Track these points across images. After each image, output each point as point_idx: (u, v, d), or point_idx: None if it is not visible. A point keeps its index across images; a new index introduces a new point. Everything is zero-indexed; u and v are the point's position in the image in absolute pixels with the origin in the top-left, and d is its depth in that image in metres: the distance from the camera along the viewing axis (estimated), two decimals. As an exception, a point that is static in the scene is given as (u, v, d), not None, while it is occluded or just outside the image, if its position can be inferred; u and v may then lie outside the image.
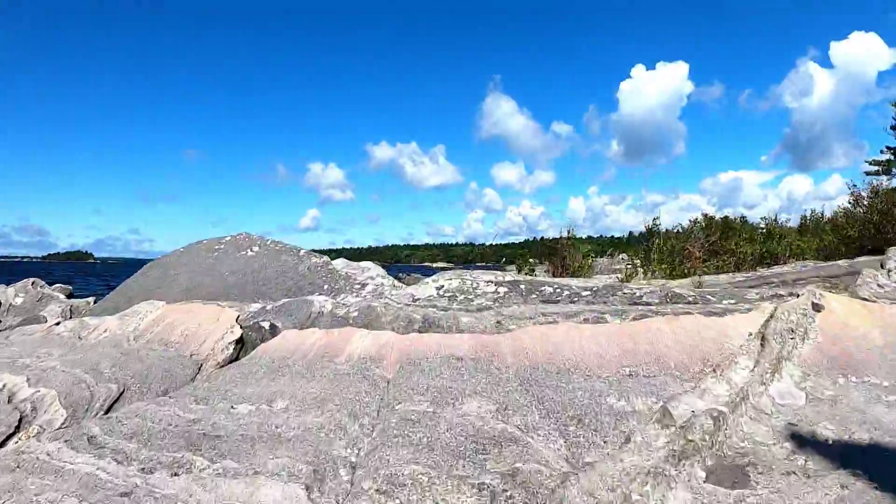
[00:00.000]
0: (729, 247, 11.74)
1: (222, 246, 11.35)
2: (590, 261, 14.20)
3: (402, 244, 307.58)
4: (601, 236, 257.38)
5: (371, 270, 10.04)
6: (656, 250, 12.74)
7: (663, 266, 11.29)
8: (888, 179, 43.01)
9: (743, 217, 15.77)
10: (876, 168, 42.83)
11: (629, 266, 12.94)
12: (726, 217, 14.78)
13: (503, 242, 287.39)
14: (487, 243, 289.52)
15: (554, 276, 12.39)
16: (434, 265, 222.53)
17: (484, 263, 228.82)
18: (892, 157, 41.69)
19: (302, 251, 11.18)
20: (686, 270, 10.74)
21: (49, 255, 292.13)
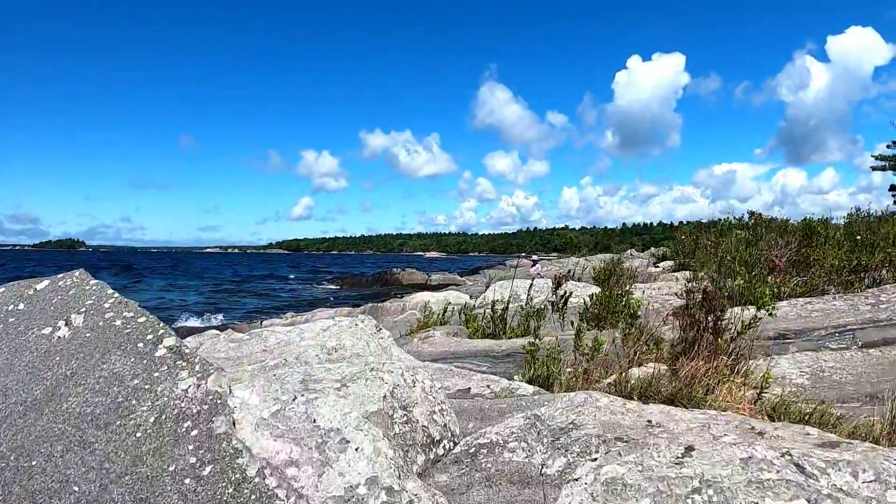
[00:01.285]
0: (817, 256, 9.88)
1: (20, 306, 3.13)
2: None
3: (394, 233, 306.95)
4: (594, 227, 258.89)
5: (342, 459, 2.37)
6: (702, 254, 12.01)
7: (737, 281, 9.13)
8: (894, 174, 42.80)
9: (825, 219, 14.06)
10: (882, 163, 42.76)
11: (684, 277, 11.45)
12: (808, 219, 13.06)
13: (496, 232, 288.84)
14: (480, 233, 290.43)
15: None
16: (426, 254, 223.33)
17: (477, 254, 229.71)
18: (899, 152, 41.55)
19: (164, 351, 2.72)
20: (776, 288, 8.88)
21: (40, 242, 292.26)
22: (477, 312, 10.58)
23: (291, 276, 41.68)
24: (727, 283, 9.13)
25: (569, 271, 13.97)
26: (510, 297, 9.14)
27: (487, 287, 13.74)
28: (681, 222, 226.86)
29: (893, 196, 48.09)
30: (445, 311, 9.41)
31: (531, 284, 9.95)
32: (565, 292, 8.83)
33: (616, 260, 11.93)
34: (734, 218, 17.70)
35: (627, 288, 10.66)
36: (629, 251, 41.05)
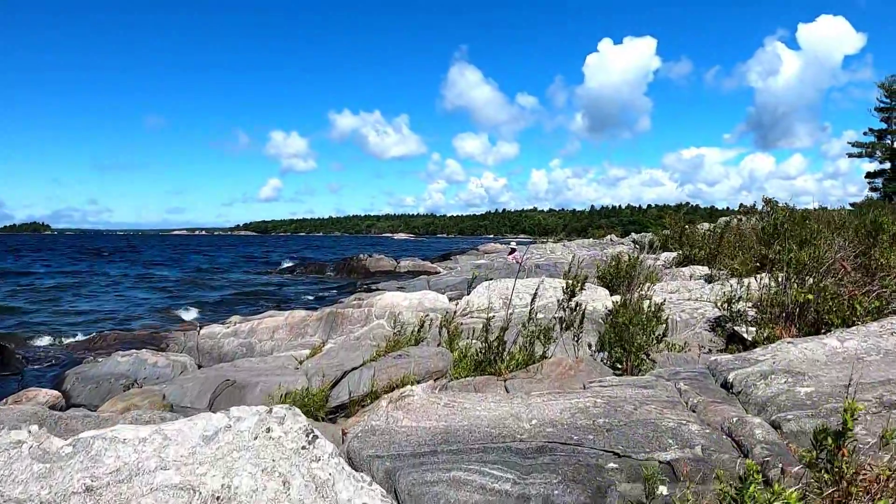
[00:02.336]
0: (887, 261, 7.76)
1: None
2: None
3: (363, 214, 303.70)
4: (563, 209, 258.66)
5: None
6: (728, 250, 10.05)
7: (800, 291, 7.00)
8: (871, 161, 41.96)
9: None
10: (859, 150, 41.90)
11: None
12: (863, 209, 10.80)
13: (464, 214, 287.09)
14: (449, 215, 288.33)
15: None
16: (395, 236, 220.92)
17: (446, 235, 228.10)
18: (876, 140, 40.68)
19: None
20: (847, 301, 6.74)
21: (5, 226, 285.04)
22: (463, 325, 8.57)
23: (287, 264, 38.93)
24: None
25: (568, 270, 11.99)
26: (508, 316, 7.08)
27: (470, 287, 11.72)
28: (649, 205, 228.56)
29: (870, 183, 47.40)
30: (422, 326, 7.38)
31: (537, 289, 7.91)
32: (579, 305, 6.86)
33: (635, 260, 9.89)
34: (745, 206, 15.86)
35: (644, 291, 8.72)
36: (608, 237, 39.34)
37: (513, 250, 28.84)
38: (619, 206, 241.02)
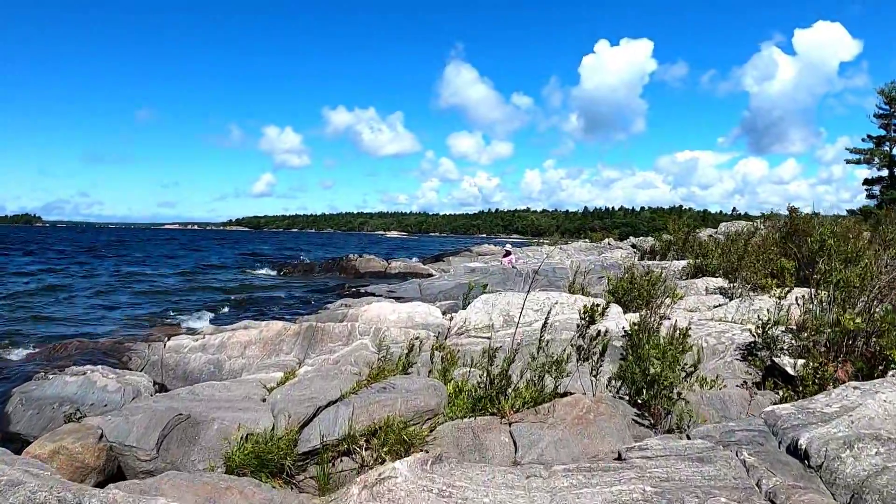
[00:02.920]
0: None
1: None
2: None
3: (355, 211, 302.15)
4: (556, 210, 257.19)
5: None
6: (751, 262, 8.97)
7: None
8: (868, 168, 41.19)
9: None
10: (857, 157, 41.12)
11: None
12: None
13: (457, 212, 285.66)
14: (441, 213, 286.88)
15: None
16: (387, 234, 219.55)
17: (438, 234, 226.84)
18: (875, 146, 39.89)
19: None
20: None
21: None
22: (459, 348, 7.59)
23: (305, 259, 37.47)
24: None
25: (573, 281, 11.00)
26: (514, 342, 6.11)
27: (466, 300, 10.72)
28: (643, 207, 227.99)
29: (867, 190, 46.60)
30: (411, 351, 6.39)
31: (549, 313, 6.99)
32: (601, 334, 5.89)
33: (656, 277, 8.87)
34: (764, 214, 14.94)
35: (664, 311, 7.74)
36: (606, 240, 38.45)
37: (508, 253, 27.82)
38: (613, 207, 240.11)
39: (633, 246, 34.11)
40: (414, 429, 5.09)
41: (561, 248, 34.85)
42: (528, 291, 8.38)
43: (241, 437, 4.99)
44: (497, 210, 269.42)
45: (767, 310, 7.76)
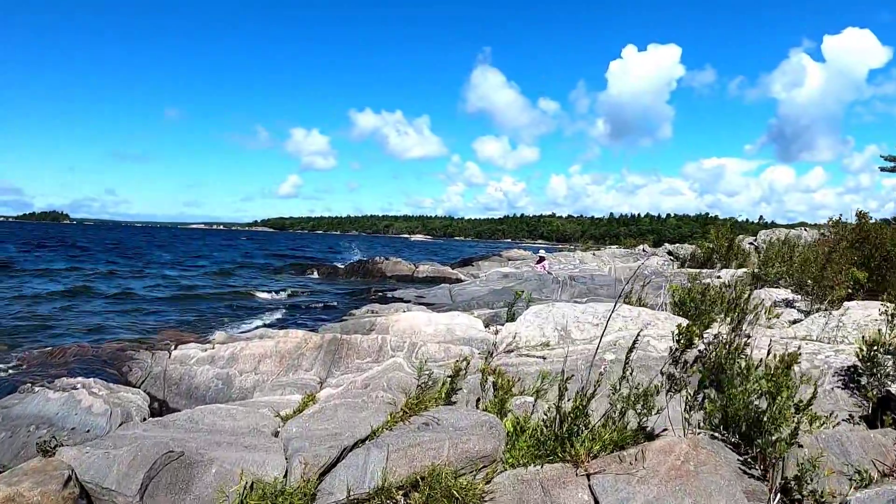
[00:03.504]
0: None
1: None
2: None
3: (380, 214, 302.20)
4: (581, 216, 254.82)
5: None
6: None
7: None
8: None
9: None
10: (893, 164, 39.21)
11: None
12: None
13: (482, 217, 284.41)
14: (466, 217, 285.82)
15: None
16: (412, 237, 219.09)
17: (463, 238, 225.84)
18: (911, 153, 37.94)
19: None
20: None
21: (24, 214, 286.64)
22: (509, 368, 6.41)
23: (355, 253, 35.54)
24: None
25: (629, 290, 9.73)
26: (590, 376, 4.89)
27: (511, 310, 9.53)
28: (668, 215, 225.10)
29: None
30: (457, 374, 5.25)
31: (636, 339, 5.86)
32: (699, 360, 4.72)
33: (742, 289, 7.57)
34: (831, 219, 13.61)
35: (748, 329, 6.53)
36: (641, 247, 36.99)
37: (542, 259, 26.61)
38: (639, 214, 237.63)
39: (670, 253, 32.65)
40: (466, 480, 3.96)
41: (594, 255, 33.58)
42: (560, 292, 7.22)
43: (245, 486, 3.89)
44: (522, 215, 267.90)
45: (860, 325, 6.51)
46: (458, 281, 26.01)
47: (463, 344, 7.53)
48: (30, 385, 7.31)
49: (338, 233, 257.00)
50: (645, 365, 5.92)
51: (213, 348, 7.80)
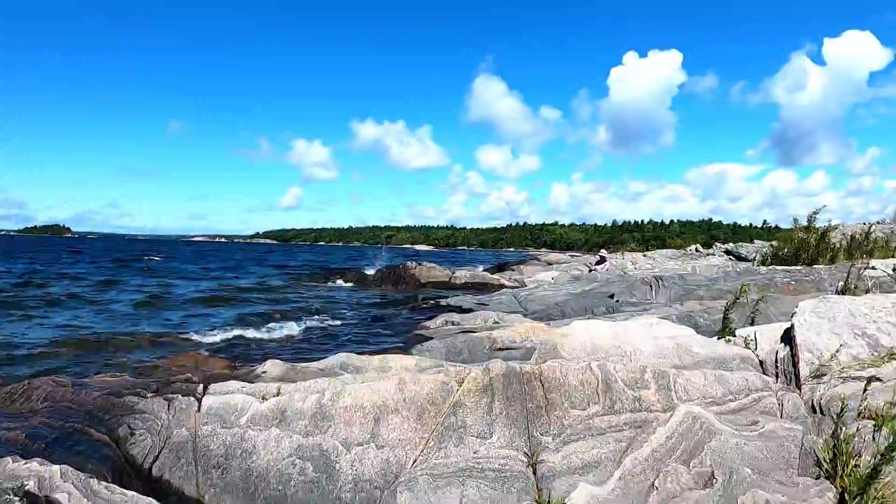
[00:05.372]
0: None
1: None
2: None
3: (383, 225, 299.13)
4: (584, 223, 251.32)
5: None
6: None
7: None
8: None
9: None
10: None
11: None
12: None
13: (484, 226, 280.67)
14: (469, 227, 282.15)
15: None
16: (416, 247, 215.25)
17: (466, 248, 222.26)
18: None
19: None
20: None
21: (26, 228, 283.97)
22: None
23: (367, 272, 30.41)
24: None
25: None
26: None
27: (752, 315, 6.15)
28: (672, 221, 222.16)
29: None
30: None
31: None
32: None
33: None
34: None
35: None
36: (693, 247, 33.62)
37: (602, 259, 23.39)
38: (642, 220, 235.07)
39: (728, 252, 29.44)
40: None
41: (645, 255, 30.33)
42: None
43: None
44: (525, 224, 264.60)
45: None
46: (501, 287, 22.69)
47: (708, 363, 4.19)
48: None
49: (340, 244, 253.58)
50: None
51: (277, 394, 4.42)
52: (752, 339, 4.96)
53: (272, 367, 5.69)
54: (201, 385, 5.26)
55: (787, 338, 4.77)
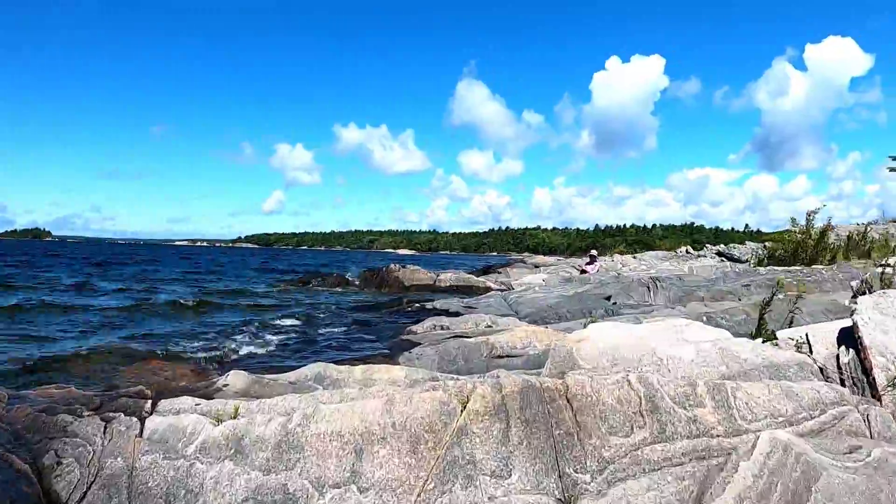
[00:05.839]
0: None
1: None
2: None
3: (365, 229, 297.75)
4: (566, 228, 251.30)
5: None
6: None
7: None
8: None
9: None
10: (898, 164, 35.96)
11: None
12: None
13: (466, 231, 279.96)
14: (451, 231, 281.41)
15: None
16: (398, 251, 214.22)
17: (448, 252, 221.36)
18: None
19: None
20: None
21: (5, 232, 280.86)
22: None
23: (349, 276, 28.88)
24: None
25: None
26: None
27: (790, 315, 5.38)
28: (654, 225, 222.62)
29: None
30: None
31: None
32: None
33: None
34: None
35: None
36: (683, 248, 33.03)
37: (593, 259, 22.62)
38: (624, 224, 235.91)
39: (719, 254, 28.86)
40: None
41: (634, 257, 29.68)
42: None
43: None
44: (507, 228, 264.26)
45: None
46: (488, 289, 21.92)
47: (762, 374, 3.41)
48: None
49: (322, 248, 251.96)
50: None
51: (236, 415, 3.57)
52: (803, 342, 4.18)
53: (235, 378, 4.82)
54: (149, 402, 4.40)
55: (848, 339, 4.01)
